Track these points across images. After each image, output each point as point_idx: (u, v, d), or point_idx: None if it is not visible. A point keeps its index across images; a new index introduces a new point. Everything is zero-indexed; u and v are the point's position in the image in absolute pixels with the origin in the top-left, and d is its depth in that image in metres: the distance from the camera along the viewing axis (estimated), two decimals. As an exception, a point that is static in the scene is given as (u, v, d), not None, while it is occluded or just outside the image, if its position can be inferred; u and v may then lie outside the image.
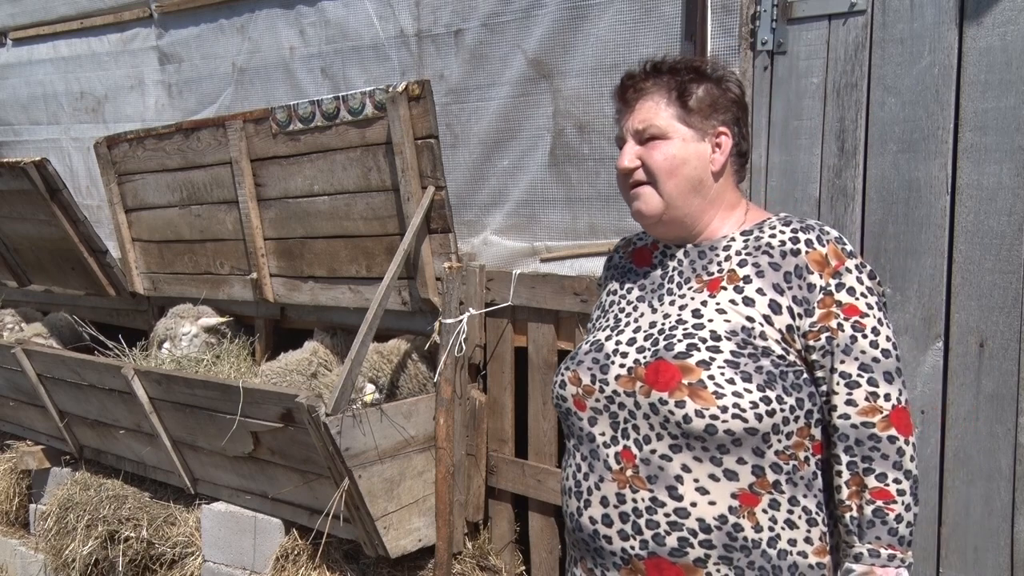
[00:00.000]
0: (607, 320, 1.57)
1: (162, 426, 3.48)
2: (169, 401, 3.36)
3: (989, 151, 2.28)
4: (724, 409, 1.33)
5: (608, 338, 1.51)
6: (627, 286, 1.59)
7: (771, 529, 1.38)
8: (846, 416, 1.41)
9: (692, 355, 1.38)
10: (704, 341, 1.39)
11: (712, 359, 1.37)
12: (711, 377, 1.35)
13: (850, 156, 2.46)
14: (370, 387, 3.03)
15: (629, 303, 1.56)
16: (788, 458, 1.40)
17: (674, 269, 1.54)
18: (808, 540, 1.41)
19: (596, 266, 2.96)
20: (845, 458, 1.41)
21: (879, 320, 1.43)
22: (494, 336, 3.15)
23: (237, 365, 3.76)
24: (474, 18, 3.22)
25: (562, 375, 1.53)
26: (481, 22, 3.20)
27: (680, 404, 1.35)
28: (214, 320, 3.77)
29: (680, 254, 1.55)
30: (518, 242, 3.18)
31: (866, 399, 1.40)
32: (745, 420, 1.34)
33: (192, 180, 3.81)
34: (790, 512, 1.40)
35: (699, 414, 1.34)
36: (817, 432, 1.44)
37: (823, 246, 1.44)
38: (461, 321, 2.99)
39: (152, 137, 3.88)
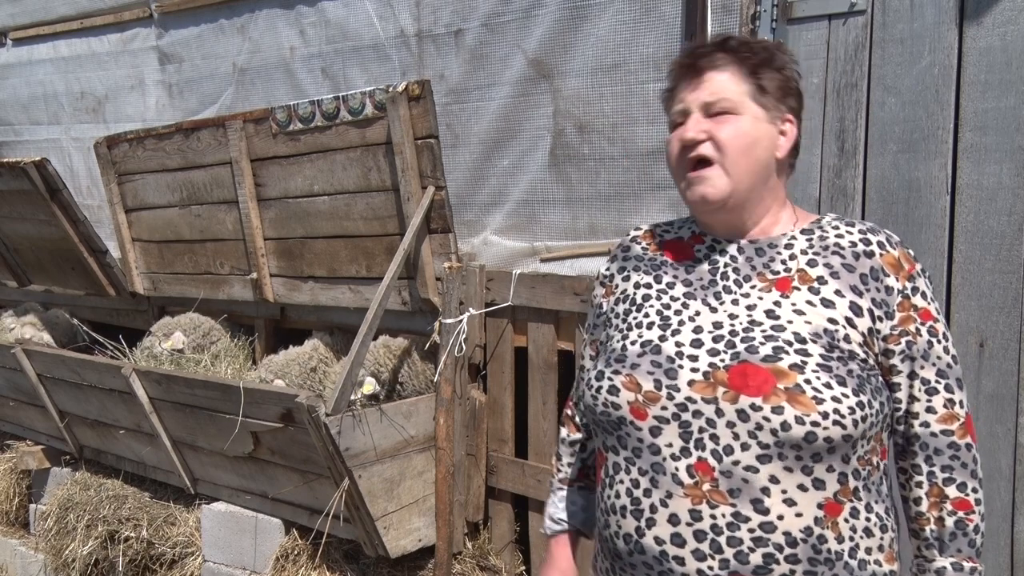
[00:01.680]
0: (644, 316, 1.43)
1: (162, 426, 3.48)
2: (169, 401, 3.36)
3: (989, 151, 2.28)
4: (825, 415, 1.24)
5: (663, 339, 1.37)
6: (665, 280, 1.47)
7: (851, 539, 1.31)
8: (926, 424, 1.36)
9: (782, 358, 1.28)
10: (790, 344, 1.30)
11: (804, 363, 1.28)
12: (807, 381, 1.26)
13: (850, 156, 2.46)
14: (370, 379, 3.03)
15: (674, 299, 1.43)
16: (865, 463, 1.33)
17: (727, 265, 1.43)
18: (881, 548, 1.35)
19: (596, 266, 2.95)
20: (926, 468, 1.36)
21: (945, 326, 1.40)
22: (494, 336, 3.14)
23: (236, 365, 3.76)
24: (474, 18, 3.22)
25: (610, 380, 1.37)
26: (481, 22, 3.20)
27: (777, 410, 1.25)
28: (180, 343, 3.75)
29: (733, 249, 1.44)
30: (518, 242, 3.18)
31: (944, 406, 1.36)
32: (844, 427, 1.25)
33: (192, 180, 3.81)
34: (867, 520, 1.33)
35: (799, 421, 1.24)
36: (885, 436, 1.39)
37: (894, 249, 1.40)
38: (461, 321, 2.99)
39: (152, 137, 3.88)
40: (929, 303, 1.38)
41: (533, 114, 3.12)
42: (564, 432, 1.69)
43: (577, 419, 1.67)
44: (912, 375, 1.37)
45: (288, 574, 3.09)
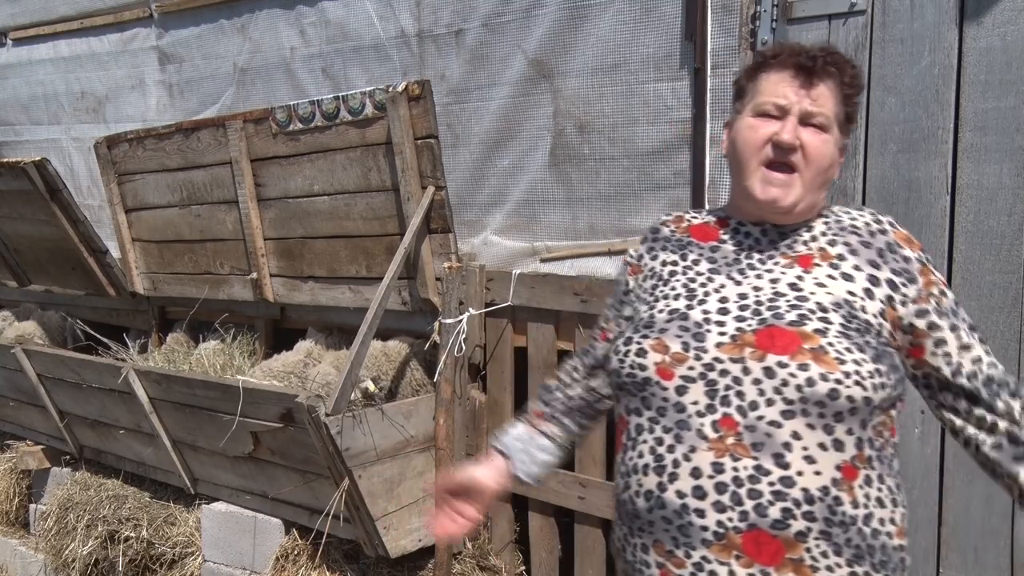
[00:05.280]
0: (671, 289, 1.50)
1: (162, 426, 3.48)
2: (169, 401, 3.36)
3: (989, 151, 2.28)
4: (847, 375, 1.30)
5: (690, 307, 1.44)
6: (691, 258, 1.54)
7: (865, 506, 1.35)
8: (992, 364, 1.45)
9: (806, 324, 1.35)
10: (813, 312, 1.37)
11: (827, 328, 1.34)
12: (831, 344, 1.32)
13: (850, 156, 2.46)
14: (370, 382, 3.03)
15: (700, 274, 1.50)
16: (878, 435, 1.38)
17: (750, 246, 1.51)
18: (893, 520, 1.39)
19: (596, 266, 2.95)
20: (1002, 395, 1.42)
21: None
22: (494, 336, 3.14)
23: (235, 364, 3.76)
24: (475, 18, 3.22)
25: (638, 344, 1.43)
26: (482, 22, 3.20)
27: (803, 367, 1.31)
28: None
29: (757, 232, 1.51)
30: (518, 242, 3.18)
31: (986, 353, 1.45)
32: (864, 388, 1.31)
33: (192, 180, 3.81)
34: (879, 490, 1.37)
35: (824, 377, 1.30)
36: (894, 413, 1.44)
37: (901, 229, 1.50)
38: (461, 321, 2.99)
39: (152, 137, 3.88)
40: (940, 274, 1.48)
41: (533, 114, 3.12)
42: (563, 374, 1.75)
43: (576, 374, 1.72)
44: (954, 327, 1.44)
45: (288, 574, 3.09)
